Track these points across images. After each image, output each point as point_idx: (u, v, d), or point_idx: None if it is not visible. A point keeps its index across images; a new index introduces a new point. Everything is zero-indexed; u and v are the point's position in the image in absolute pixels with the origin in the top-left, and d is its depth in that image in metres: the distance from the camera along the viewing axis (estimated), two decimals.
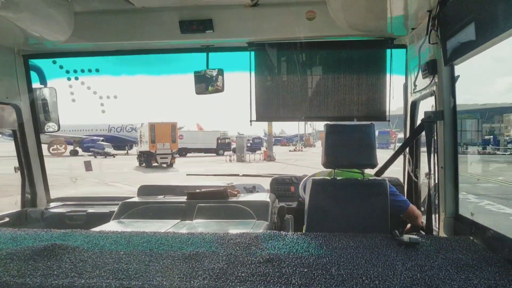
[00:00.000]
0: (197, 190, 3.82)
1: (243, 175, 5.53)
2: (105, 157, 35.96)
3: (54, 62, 4.23)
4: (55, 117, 4.30)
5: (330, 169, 3.18)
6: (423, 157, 3.58)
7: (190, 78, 4.06)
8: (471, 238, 2.45)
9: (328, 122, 3.24)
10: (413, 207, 3.41)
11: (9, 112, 4.04)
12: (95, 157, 34.39)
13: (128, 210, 3.58)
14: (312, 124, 68.28)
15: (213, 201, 3.62)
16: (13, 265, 1.96)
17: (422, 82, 3.13)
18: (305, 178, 3.68)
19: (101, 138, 42.11)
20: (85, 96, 4.51)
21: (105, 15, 3.76)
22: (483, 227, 2.40)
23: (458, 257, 2.08)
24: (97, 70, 4.26)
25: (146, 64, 4.49)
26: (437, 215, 3.01)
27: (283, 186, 4.63)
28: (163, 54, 4.22)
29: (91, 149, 38.81)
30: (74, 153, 40.24)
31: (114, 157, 37.68)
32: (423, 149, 3.58)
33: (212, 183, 4.38)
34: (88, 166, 5.89)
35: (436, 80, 2.90)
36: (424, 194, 3.63)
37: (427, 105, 3.26)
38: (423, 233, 3.17)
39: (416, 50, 3.24)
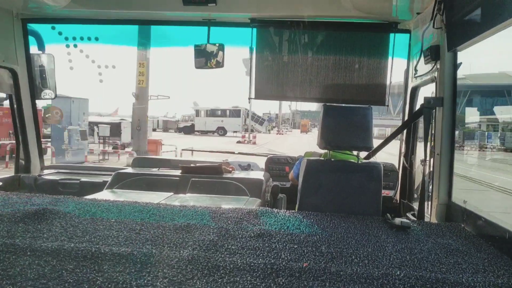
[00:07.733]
0: (192, 165, 3.81)
1: (239, 153, 5.53)
2: None
3: (53, 28, 4.14)
4: (53, 84, 4.23)
5: (325, 151, 3.17)
6: (420, 145, 3.58)
7: (190, 52, 4.01)
8: (462, 225, 2.47)
9: (326, 103, 3.21)
10: None
11: (6, 76, 3.98)
12: None
13: (122, 180, 3.58)
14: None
15: (207, 176, 3.62)
16: (3, 226, 1.95)
17: (424, 67, 3.10)
18: (300, 159, 3.68)
19: None
20: (83, 65, 4.45)
21: None
22: (474, 214, 2.41)
23: (448, 242, 2.09)
24: (96, 39, 4.18)
25: (146, 34, 4.42)
26: (430, 201, 3.02)
27: (278, 166, 4.64)
28: (163, 25, 4.15)
29: None
30: None
31: None
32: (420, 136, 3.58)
33: (207, 159, 4.38)
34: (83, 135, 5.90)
35: (438, 66, 2.87)
36: (418, 181, 3.63)
37: (427, 92, 3.24)
38: (415, 218, 3.18)
39: (419, 35, 3.20)
